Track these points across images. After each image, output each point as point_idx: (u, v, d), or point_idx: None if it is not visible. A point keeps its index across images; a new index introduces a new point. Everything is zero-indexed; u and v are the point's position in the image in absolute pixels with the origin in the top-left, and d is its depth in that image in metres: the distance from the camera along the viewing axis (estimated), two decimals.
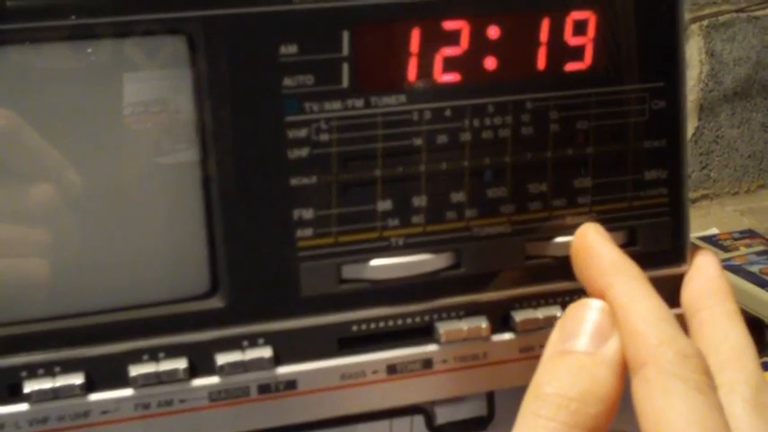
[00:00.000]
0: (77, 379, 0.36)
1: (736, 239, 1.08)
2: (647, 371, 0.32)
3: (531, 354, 0.40)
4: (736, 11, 1.21)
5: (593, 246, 0.37)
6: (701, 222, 1.16)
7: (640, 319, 0.34)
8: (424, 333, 0.39)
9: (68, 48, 0.35)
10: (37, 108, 0.35)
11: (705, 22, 1.20)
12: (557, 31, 0.39)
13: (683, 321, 0.39)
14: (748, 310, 0.85)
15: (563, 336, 0.34)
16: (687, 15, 1.15)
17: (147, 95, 0.36)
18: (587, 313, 0.34)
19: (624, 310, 0.34)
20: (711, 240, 1.08)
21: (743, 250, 1.04)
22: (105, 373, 0.36)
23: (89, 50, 0.35)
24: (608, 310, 0.34)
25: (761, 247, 1.04)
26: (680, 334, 0.33)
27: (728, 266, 0.95)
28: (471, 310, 0.40)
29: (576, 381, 0.32)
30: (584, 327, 0.34)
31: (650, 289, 0.35)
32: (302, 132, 0.37)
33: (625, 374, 0.33)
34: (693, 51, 1.20)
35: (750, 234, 1.10)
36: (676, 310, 0.40)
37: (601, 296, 0.36)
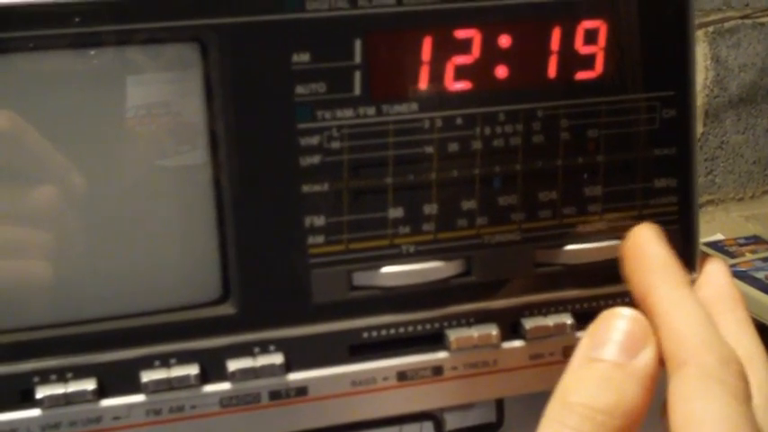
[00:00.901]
0: (89, 385, 0.36)
1: (741, 245, 1.08)
2: (687, 370, 0.32)
3: (540, 361, 0.40)
4: (742, 17, 1.21)
5: (644, 245, 0.37)
6: (706, 228, 1.16)
7: (684, 321, 0.34)
8: (434, 340, 0.39)
9: (75, 51, 0.35)
10: (45, 111, 0.35)
11: (710, 29, 1.20)
12: (567, 39, 0.39)
13: None
14: (754, 316, 0.84)
15: (593, 343, 0.34)
16: None
17: (155, 98, 0.36)
18: (618, 322, 0.34)
19: (669, 312, 0.34)
20: (717, 246, 1.08)
21: (748, 256, 1.04)
22: (117, 379, 0.37)
23: (92, 53, 0.35)
24: (641, 320, 0.34)
25: (766, 254, 1.04)
26: (722, 340, 0.33)
27: (734, 272, 0.95)
28: (481, 318, 0.40)
29: (604, 392, 0.32)
30: (615, 335, 0.34)
31: (692, 293, 0.35)
32: (314, 140, 0.37)
33: (654, 388, 0.33)
34: (699, 57, 1.20)
35: (755, 240, 1.10)
36: None
37: (644, 296, 0.35)
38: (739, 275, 0.94)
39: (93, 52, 0.35)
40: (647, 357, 0.33)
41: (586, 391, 0.32)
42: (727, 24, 1.21)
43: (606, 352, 0.33)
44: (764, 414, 0.34)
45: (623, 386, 0.32)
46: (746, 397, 0.32)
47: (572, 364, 0.34)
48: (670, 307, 0.34)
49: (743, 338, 0.36)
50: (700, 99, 1.21)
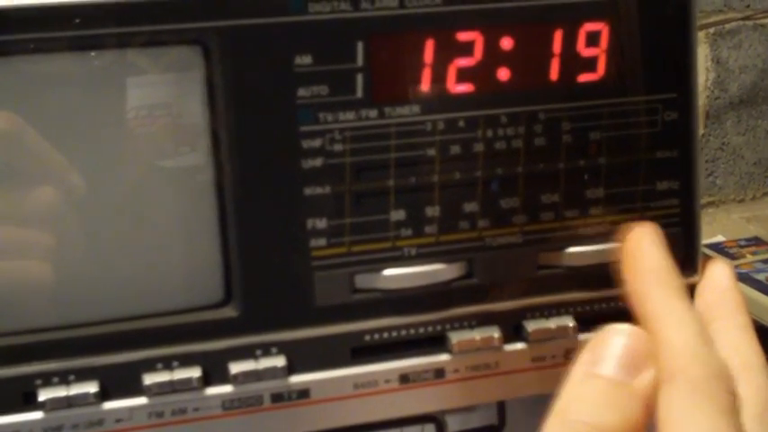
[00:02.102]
0: (91, 387, 0.36)
1: (742, 247, 1.08)
2: (677, 383, 0.32)
3: (542, 363, 0.40)
4: (743, 18, 1.21)
5: (641, 249, 0.37)
6: (707, 230, 1.16)
7: (676, 331, 0.33)
8: (436, 342, 0.39)
9: (76, 53, 0.35)
10: (46, 112, 0.35)
11: (711, 30, 1.20)
12: (570, 42, 0.39)
13: None
14: (755, 318, 0.84)
15: (593, 358, 0.33)
16: None
17: (156, 100, 0.36)
18: (617, 338, 0.34)
19: (661, 320, 0.34)
20: (717, 248, 1.08)
21: (749, 258, 1.04)
22: (119, 382, 0.37)
23: (93, 55, 0.35)
24: (642, 336, 0.34)
25: (767, 255, 1.04)
26: (713, 352, 0.33)
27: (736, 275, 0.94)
28: (483, 320, 0.40)
29: (607, 412, 0.32)
30: (614, 351, 0.33)
31: (688, 302, 0.35)
32: (316, 142, 0.37)
33: (654, 408, 0.33)
34: (700, 59, 1.19)
35: (756, 241, 1.10)
36: None
37: (639, 302, 0.35)
38: (740, 277, 0.94)
39: (93, 54, 0.35)
40: (649, 377, 0.33)
41: (589, 409, 0.32)
42: (728, 26, 1.21)
43: (605, 368, 0.33)
44: (761, 425, 0.34)
45: (626, 406, 0.32)
46: (734, 411, 0.32)
47: (571, 380, 0.33)
48: (663, 315, 0.34)
49: (741, 345, 0.36)
50: (700, 100, 1.21)
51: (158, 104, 0.36)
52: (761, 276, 0.96)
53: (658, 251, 0.36)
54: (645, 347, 0.34)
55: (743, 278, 0.95)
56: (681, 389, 0.32)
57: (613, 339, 0.34)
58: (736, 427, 0.32)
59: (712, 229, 1.17)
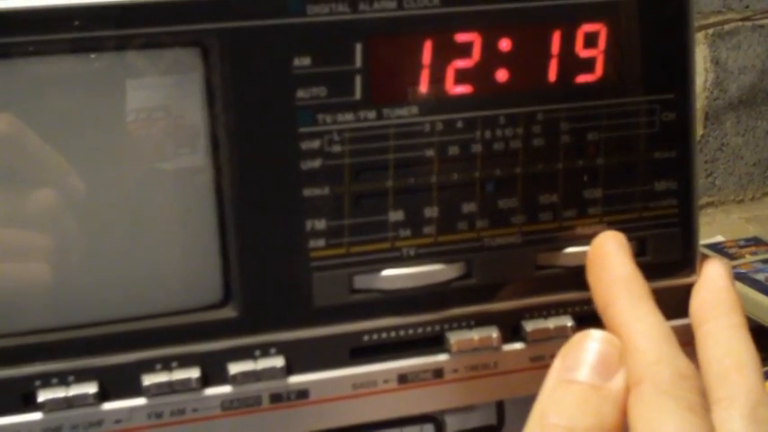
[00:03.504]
0: (91, 388, 0.36)
1: (741, 247, 1.08)
2: (643, 388, 0.33)
3: (541, 363, 0.41)
4: (742, 19, 1.21)
5: (606, 257, 0.37)
6: (706, 230, 1.16)
7: (640, 335, 0.34)
8: (435, 343, 0.40)
9: (75, 55, 0.35)
10: (46, 114, 0.35)
11: (710, 31, 1.20)
12: (568, 43, 0.39)
13: (690, 331, 0.39)
14: (754, 318, 0.85)
15: (566, 365, 0.34)
16: None
17: (155, 102, 0.36)
18: (589, 344, 0.34)
19: (626, 326, 0.34)
20: (717, 248, 1.08)
21: (748, 258, 1.04)
22: (118, 383, 0.37)
23: (93, 57, 0.35)
24: (613, 341, 0.34)
25: (766, 255, 1.04)
26: (678, 353, 0.34)
27: (733, 274, 0.94)
28: (482, 320, 0.40)
29: (583, 414, 0.32)
30: (587, 357, 0.34)
31: (653, 307, 0.35)
32: (315, 144, 0.37)
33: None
34: (699, 60, 1.20)
35: (755, 242, 1.10)
36: (684, 321, 0.40)
37: (605, 308, 0.36)
38: (739, 277, 0.95)
39: (93, 56, 0.35)
40: (621, 380, 0.33)
41: (566, 412, 0.32)
42: (726, 26, 1.21)
43: (580, 373, 0.33)
44: (751, 423, 0.34)
45: (602, 409, 0.33)
46: (703, 409, 0.32)
47: (547, 386, 0.34)
48: (629, 322, 0.35)
49: (735, 344, 0.37)
50: (700, 101, 1.22)
51: (158, 107, 0.36)
52: (760, 276, 0.96)
53: (624, 258, 0.37)
54: (616, 351, 0.34)
55: (742, 278, 0.95)
56: (647, 392, 0.32)
57: (586, 345, 0.34)
58: (705, 426, 0.32)
59: (712, 230, 1.17)
